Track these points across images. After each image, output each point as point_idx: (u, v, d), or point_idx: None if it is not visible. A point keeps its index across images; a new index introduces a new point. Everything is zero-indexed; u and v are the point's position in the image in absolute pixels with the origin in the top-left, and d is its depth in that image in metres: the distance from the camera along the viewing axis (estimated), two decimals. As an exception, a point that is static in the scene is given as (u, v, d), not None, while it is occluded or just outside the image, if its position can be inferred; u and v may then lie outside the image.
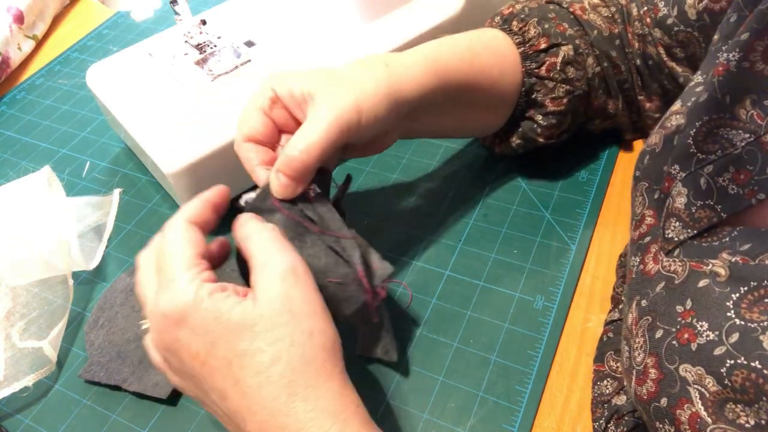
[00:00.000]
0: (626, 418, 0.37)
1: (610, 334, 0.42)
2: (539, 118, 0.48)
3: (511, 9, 0.49)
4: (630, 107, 0.52)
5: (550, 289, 0.46)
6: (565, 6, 0.49)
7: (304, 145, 0.36)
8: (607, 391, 0.39)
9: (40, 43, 0.81)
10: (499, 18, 0.50)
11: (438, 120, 0.46)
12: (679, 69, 0.46)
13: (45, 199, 0.53)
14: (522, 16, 0.48)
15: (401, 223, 0.52)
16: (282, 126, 0.40)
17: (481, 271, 0.47)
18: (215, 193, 0.36)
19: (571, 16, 0.49)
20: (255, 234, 0.34)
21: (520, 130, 0.50)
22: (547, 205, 0.51)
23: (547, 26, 0.47)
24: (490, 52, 0.46)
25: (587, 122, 0.52)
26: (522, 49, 0.47)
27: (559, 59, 0.47)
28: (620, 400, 0.38)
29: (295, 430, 0.29)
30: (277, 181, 0.36)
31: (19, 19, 0.76)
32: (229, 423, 0.33)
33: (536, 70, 0.47)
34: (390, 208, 0.53)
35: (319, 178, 0.38)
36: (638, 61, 0.49)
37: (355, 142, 0.39)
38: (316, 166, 0.37)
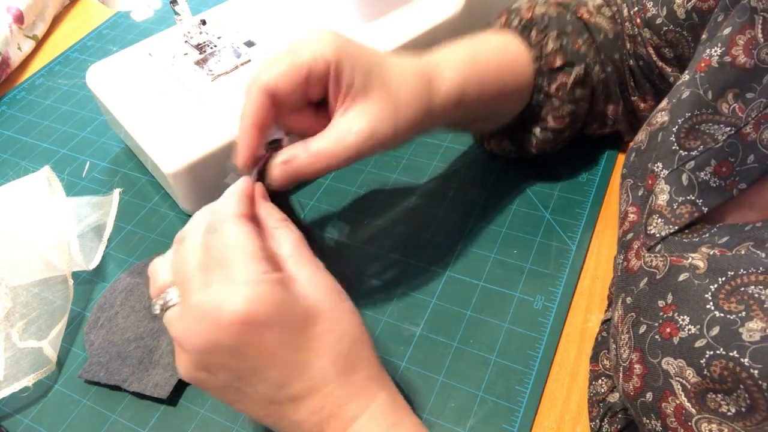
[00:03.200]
0: (619, 415, 0.37)
1: (604, 334, 0.42)
2: (537, 131, 0.49)
3: (530, 14, 0.48)
4: (626, 108, 0.52)
5: (550, 289, 0.46)
6: (572, 10, 0.49)
7: (327, 156, 0.36)
8: (602, 390, 0.39)
9: (40, 43, 0.81)
10: (517, 22, 0.48)
11: (443, 127, 0.47)
12: (668, 69, 0.46)
13: (45, 199, 0.53)
14: (542, 26, 0.47)
15: (401, 223, 0.52)
16: (309, 94, 0.38)
17: (481, 271, 0.47)
18: (247, 185, 0.35)
19: (582, 24, 0.48)
20: (287, 231, 0.34)
21: (515, 138, 0.50)
22: (547, 205, 0.51)
23: (565, 42, 0.47)
24: (514, 74, 0.46)
25: (584, 127, 0.52)
26: (538, 65, 0.47)
27: (570, 80, 0.47)
28: (614, 398, 0.38)
29: (350, 399, 0.32)
30: (281, 169, 0.36)
31: (19, 19, 0.76)
32: (274, 413, 0.32)
33: (546, 88, 0.47)
34: (390, 208, 0.53)
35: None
36: (631, 62, 0.49)
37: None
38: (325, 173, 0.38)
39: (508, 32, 0.48)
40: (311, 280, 0.32)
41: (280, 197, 0.38)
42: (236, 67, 0.55)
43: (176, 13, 0.55)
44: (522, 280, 0.46)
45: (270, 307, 0.29)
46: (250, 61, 0.56)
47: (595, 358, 0.41)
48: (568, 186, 0.52)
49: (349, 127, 0.37)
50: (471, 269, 0.48)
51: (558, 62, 0.46)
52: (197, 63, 0.56)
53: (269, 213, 0.34)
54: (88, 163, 0.62)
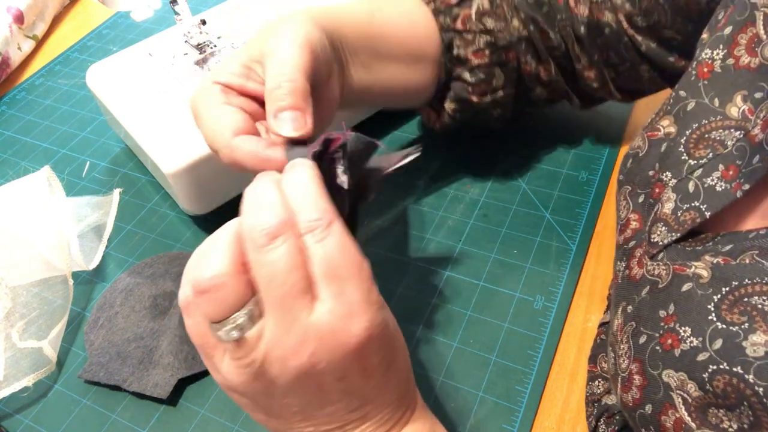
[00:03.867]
0: (617, 417, 0.37)
1: (603, 336, 0.42)
2: (467, 75, 0.47)
3: None
4: (565, 74, 0.50)
5: (550, 289, 0.46)
6: None
7: (286, 68, 0.33)
8: (598, 391, 0.39)
9: (40, 43, 0.81)
10: None
11: (369, 75, 0.43)
12: (639, 38, 0.45)
13: (45, 199, 0.53)
14: None
15: (401, 223, 0.52)
16: (255, 115, 0.35)
17: (481, 271, 0.47)
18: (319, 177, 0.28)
19: None
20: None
21: (451, 92, 0.48)
22: (547, 205, 0.51)
23: None
24: (396, 7, 0.45)
25: (528, 92, 0.50)
26: (433, 6, 0.46)
27: (473, 11, 0.46)
28: (610, 399, 0.38)
29: (406, 410, 0.31)
30: (280, 123, 0.32)
31: (19, 19, 0.76)
32: None
33: (452, 25, 0.46)
34: (390, 208, 0.53)
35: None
36: (582, 29, 0.47)
37: (316, 80, 0.36)
38: (307, 84, 0.33)
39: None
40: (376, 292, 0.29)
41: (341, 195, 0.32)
42: (236, 67, 0.55)
43: (176, 13, 0.55)
44: (522, 280, 0.46)
45: (382, 331, 0.28)
46: (250, 61, 0.56)
47: (593, 360, 0.41)
48: (568, 186, 0.52)
49: (276, 47, 0.34)
50: (471, 269, 0.48)
51: None
52: (197, 63, 0.56)
53: None
54: (88, 163, 0.62)
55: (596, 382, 0.40)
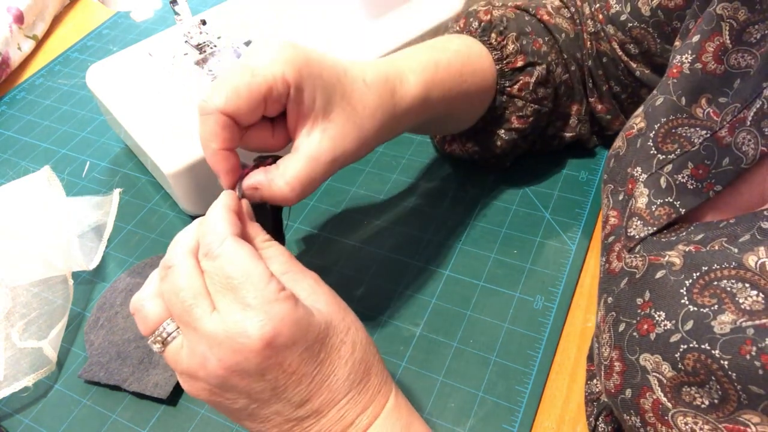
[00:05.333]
0: (614, 414, 0.37)
1: None
2: (502, 132, 0.49)
3: (489, 16, 0.48)
4: (586, 109, 0.52)
5: (550, 289, 0.46)
6: (532, 12, 0.49)
7: (296, 182, 0.34)
8: (596, 390, 0.39)
9: (40, 43, 0.81)
10: (476, 24, 0.48)
11: (407, 131, 0.45)
12: (633, 64, 0.46)
13: (45, 200, 0.53)
14: (501, 28, 0.47)
15: (401, 223, 0.52)
16: (266, 112, 0.35)
17: (481, 271, 0.47)
18: (234, 202, 0.33)
19: (542, 25, 0.48)
20: (275, 248, 0.33)
21: (479, 139, 0.50)
22: (547, 205, 0.51)
23: (525, 42, 0.47)
24: (476, 76, 0.45)
25: (547, 126, 0.51)
26: (500, 66, 0.47)
27: (533, 79, 0.46)
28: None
29: (368, 404, 0.32)
30: (250, 194, 0.36)
31: (19, 19, 0.76)
32: (290, 430, 0.31)
33: (509, 89, 0.47)
34: (390, 208, 0.53)
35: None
36: (590, 62, 0.49)
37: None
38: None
39: (467, 35, 0.47)
40: (314, 294, 0.32)
41: (263, 210, 0.36)
42: (236, 67, 0.55)
43: (176, 13, 0.55)
44: (522, 280, 0.46)
45: (291, 327, 0.29)
46: (250, 61, 0.56)
47: (591, 358, 0.41)
48: (568, 186, 0.52)
49: (317, 150, 0.35)
50: (471, 269, 0.48)
51: (519, 62, 0.46)
52: (197, 63, 0.56)
53: (256, 232, 0.33)
54: (88, 163, 0.62)
55: (594, 381, 0.40)
